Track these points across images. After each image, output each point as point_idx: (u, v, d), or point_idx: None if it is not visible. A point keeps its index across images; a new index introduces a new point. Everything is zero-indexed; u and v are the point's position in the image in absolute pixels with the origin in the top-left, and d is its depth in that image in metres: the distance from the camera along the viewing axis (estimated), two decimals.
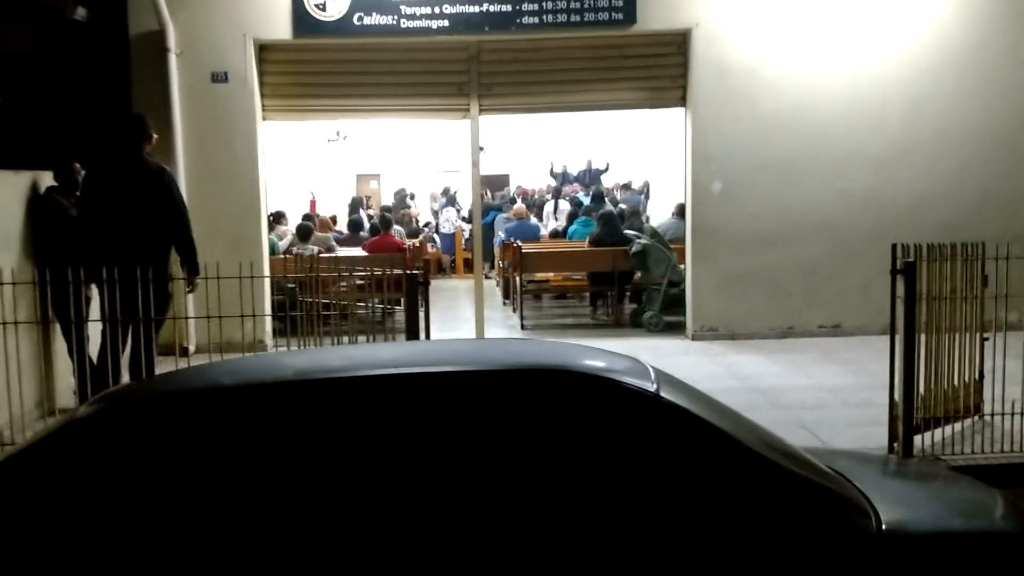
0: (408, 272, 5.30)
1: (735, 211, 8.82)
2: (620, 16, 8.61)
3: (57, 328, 6.59)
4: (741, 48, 8.67)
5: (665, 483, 2.23)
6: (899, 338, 5.13)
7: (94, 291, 6.41)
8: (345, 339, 6.57)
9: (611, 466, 2.24)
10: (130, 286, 5.90)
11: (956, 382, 5.47)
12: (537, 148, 20.49)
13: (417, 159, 22.11)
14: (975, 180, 8.78)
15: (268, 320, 8.63)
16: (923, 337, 5.17)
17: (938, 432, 5.39)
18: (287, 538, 2.16)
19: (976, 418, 5.61)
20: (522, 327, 10.10)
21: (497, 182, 22.33)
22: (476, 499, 2.21)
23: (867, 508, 2.37)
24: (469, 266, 15.15)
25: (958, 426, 5.50)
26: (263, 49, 8.74)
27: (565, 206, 15.08)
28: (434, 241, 17.09)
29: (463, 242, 17.21)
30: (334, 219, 14.56)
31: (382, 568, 2.15)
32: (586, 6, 8.62)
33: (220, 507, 2.21)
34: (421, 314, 5.69)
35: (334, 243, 10.92)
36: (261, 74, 8.78)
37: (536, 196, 19.47)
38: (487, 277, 5.50)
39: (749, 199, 8.81)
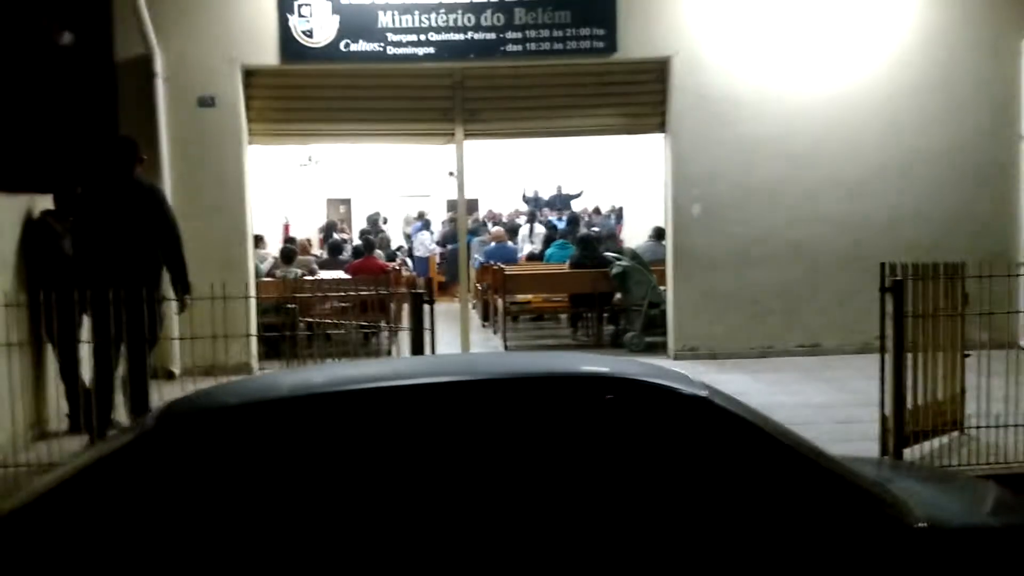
0: (413, 291, 5.35)
1: (715, 233, 9.02)
2: (601, 44, 8.82)
3: (50, 350, 6.57)
4: (719, 75, 8.92)
5: (720, 481, 2.35)
6: (888, 354, 5.32)
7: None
8: (335, 359, 6.62)
9: (670, 465, 2.36)
10: (124, 307, 5.92)
11: (940, 397, 5.67)
12: (505, 173, 20.67)
13: (387, 184, 22.21)
14: (946, 201, 9.09)
15: (254, 342, 8.64)
16: (910, 353, 5.37)
17: (926, 445, 5.57)
18: (370, 536, 2.24)
19: (959, 432, 5.81)
20: (505, 348, 10.19)
21: (467, 206, 22.49)
22: (550, 495, 2.31)
23: (904, 506, 2.51)
24: (442, 288, 15.23)
25: (944, 439, 5.69)
26: (250, 74, 8.80)
27: (540, 229, 15.24)
28: (407, 264, 17.15)
29: (436, 265, 17.32)
30: (308, 243, 14.58)
31: (460, 567, 2.23)
32: (568, 35, 8.82)
33: (299, 513, 2.27)
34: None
35: (315, 266, 10.94)
36: (248, 98, 8.84)
37: (506, 220, 19.63)
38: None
39: (728, 222, 9.03)
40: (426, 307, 5.33)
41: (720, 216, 9.02)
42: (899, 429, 5.32)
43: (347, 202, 22.58)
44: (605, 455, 2.37)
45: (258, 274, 9.81)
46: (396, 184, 22.32)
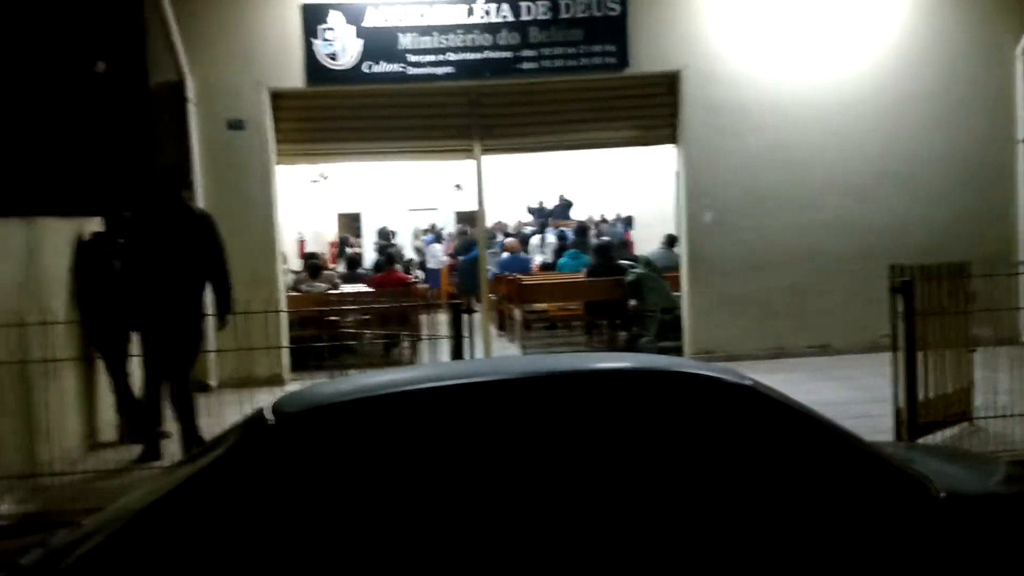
0: (452, 302, 5.69)
1: (726, 240, 9.36)
2: (613, 60, 9.18)
3: (100, 365, 6.90)
4: (728, 87, 9.27)
5: (770, 462, 2.66)
6: (899, 351, 5.65)
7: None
8: (363, 369, 6.92)
9: (723, 449, 2.67)
10: (173, 325, 6.26)
11: (950, 390, 6.00)
12: (510, 185, 20.98)
13: (395, 198, 22.55)
14: (948, 203, 9.42)
15: (286, 354, 8.97)
16: (920, 350, 5.70)
17: (938, 435, 5.90)
18: (482, 527, 2.50)
19: (968, 423, 6.14)
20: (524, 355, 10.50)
21: (473, 218, 22.81)
22: (623, 479, 2.61)
23: (927, 480, 2.84)
24: (453, 299, 15.55)
25: (955, 429, 6.01)
26: (277, 97, 9.16)
27: (550, 239, 15.58)
28: (419, 276, 17.48)
29: (448, 277, 17.64)
30: (326, 258, 14.92)
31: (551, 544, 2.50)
32: (581, 51, 9.18)
33: (418, 501, 2.52)
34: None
35: (338, 280, 11.27)
36: (275, 120, 9.20)
37: (512, 231, 19.96)
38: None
39: (739, 228, 9.36)
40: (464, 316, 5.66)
41: (731, 223, 9.36)
42: (912, 420, 5.64)
43: (357, 216, 22.89)
44: (665, 442, 2.67)
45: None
46: (404, 198, 22.68)
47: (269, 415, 2.75)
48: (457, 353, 5.63)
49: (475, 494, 2.57)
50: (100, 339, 6.75)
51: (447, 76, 9.13)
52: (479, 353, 9.36)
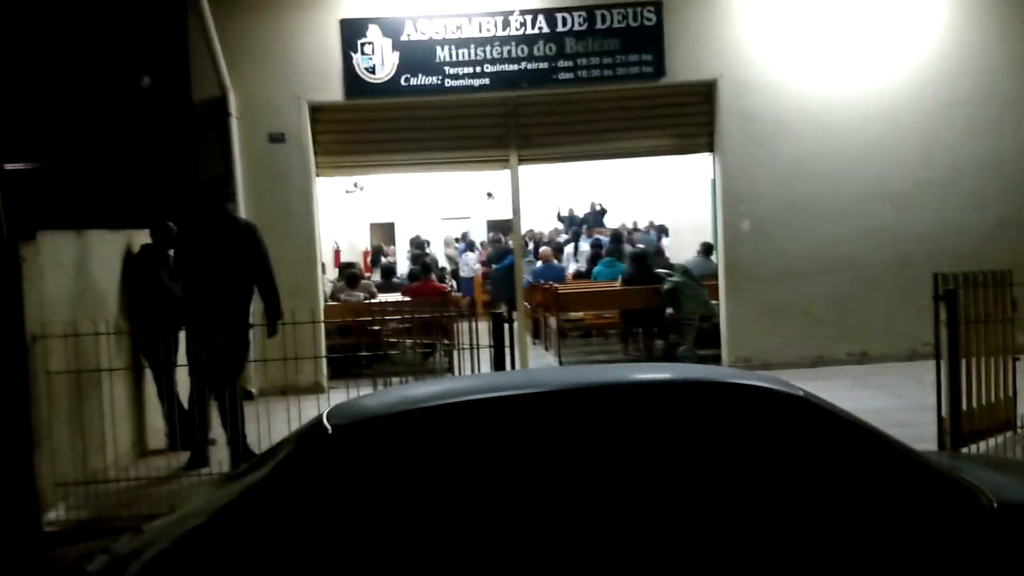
0: (493, 311, 5.75)
1: (764, 248, 9.36)
2: (650, 69, 9.23)
3: (148, 374, 7.05)
4: (764, 96, 9.29)
5: (824, 471, 2.68)
6: (943, 359, 5.63)
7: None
8: (403, 378, 7.00)
9: (777, 457, 2.70)
10: (220, 333, 6.38)
11: (993, 399, 5.96)
12: (541, 193, 21.05)
13: (428, 207, 22.72)
14: (989, 210, 9.35)
15: (325, 363, 9.08)
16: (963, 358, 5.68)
17: (981, 444, 5.86)
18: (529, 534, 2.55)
19: (1012, 431, 6.09)
20: (560, 364, 10.55)
21: (505, 227, 22.94)
22: (678, 488, 2.65)
23: (977, 490, 2.85)
24: (487, 308, 15.65)
25: (999, 439, 5.97)
26: (316, 110, 9.32)
27: (584, 248, 15.62)
28: (453, 285, 17.62)
29: (481, 285, 17.76)
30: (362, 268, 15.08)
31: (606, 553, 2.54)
32: (617, 61, 9.24)
33: (470, 509, 2.58)
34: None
35: (375, 289, 11.38)
36: (315, 133, 9.35)
37: (546, 240, 20.02)
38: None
39: (777, 236, 9.36)
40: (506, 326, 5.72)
41: (768, 231, 9.36)
42: (955, 429, 5.62)
43: (390, 226, 23.11)
44: (719, 455, 2.71)
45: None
46: (436, 207, 22.85)
47: (328, 425, 2.82)
48: (499, 363, 5.69)
49: (530, 505, 2.62)
50: (149, 349, 6.90)
51: (484, 87, 9.24)
52: (516, 363, 9.42)
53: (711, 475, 2.68)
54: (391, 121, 9.45)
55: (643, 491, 2.64)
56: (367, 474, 2.66)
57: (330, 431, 2.77)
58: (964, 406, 5.72)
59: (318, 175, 9.45)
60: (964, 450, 5.70)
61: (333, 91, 9.18)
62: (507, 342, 5.73)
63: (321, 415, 3.04)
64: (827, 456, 2.73)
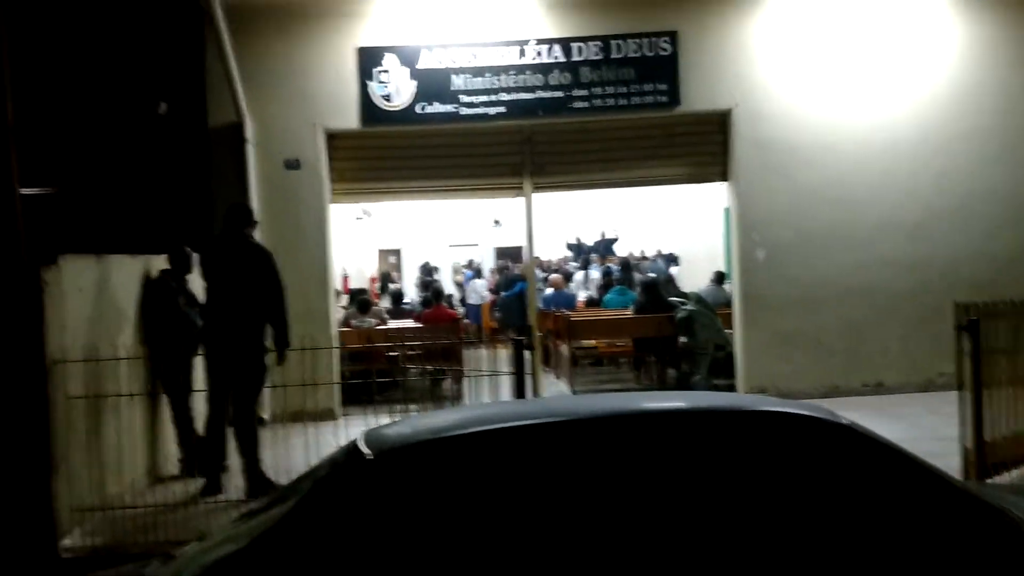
0: (514, 338, 5.76)
1: (778, 277, 9.37)
2: (664, 98, 9.29)
3: (164, 400, 7.05)
4: (779, 125, 9.34)
5: (870, 499, 2.68)
6: (966, 390, 5.61)
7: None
8: (417, 405, 6.99)
9: (825, 486, 2.69)
10: (237, 359, 6.39)
11: (1018, 429, 5.93)
12: (551, 221, 21.08)
13: (435, 234, 22.80)
14: (1005, 239, 9.36)
15: (338, 389, 9.06)
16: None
17: (1006, 475, 5.82)
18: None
19: None
20: (572, 392, 10.53)
21: (513, 254, 23.02)
22: (725, 516, 2.64)
23: (1020, 518, 2.85)
24: (494, 335, 15.68)
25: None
26: (332, 137, 9.38)
27: (595, 275, 15.66)
28: (460, 312, 17.64)
29: (489, 312, 17.78)
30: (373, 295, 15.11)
31: None
32: (632, 90, 9.30)
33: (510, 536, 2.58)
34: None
35: (386, 315, 11.40)
36: (330, 160, 9.41)
37: (555, 267, 20.06)
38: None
39: (792, 265, 9.37)
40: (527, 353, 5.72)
41: (783, 260, 9.37)
42: (980, 461, 5.59)
43: (397, 252, 23.19)
44: (766, 484, 2.70)
45: None
46: (444, 234, 22.93)
47: (366, 451, 2.82)
48: (519, 390, 5.68)
49: (569, 532, 2.62)
50: (165, 374, 6.90)
51: (499, 116, 9.30)
52: (533, 390, 9.39)
53: (758, 505, 2.67)
54: (406, 148, 9.51)
55: (689, 519, 2.64)
56: (408, 500, 2.67)
57: (371, 457, 2.77)
58: (988, 436, 5.69)
59: (333, 201, 9.50)
60: (989, 481, 5.67)
61: (349, 118, 9.24)
62: (513, 368, 5.71)
63: (354, 442, 3.04)
64: (875, 486, 2.72)
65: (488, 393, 6.36)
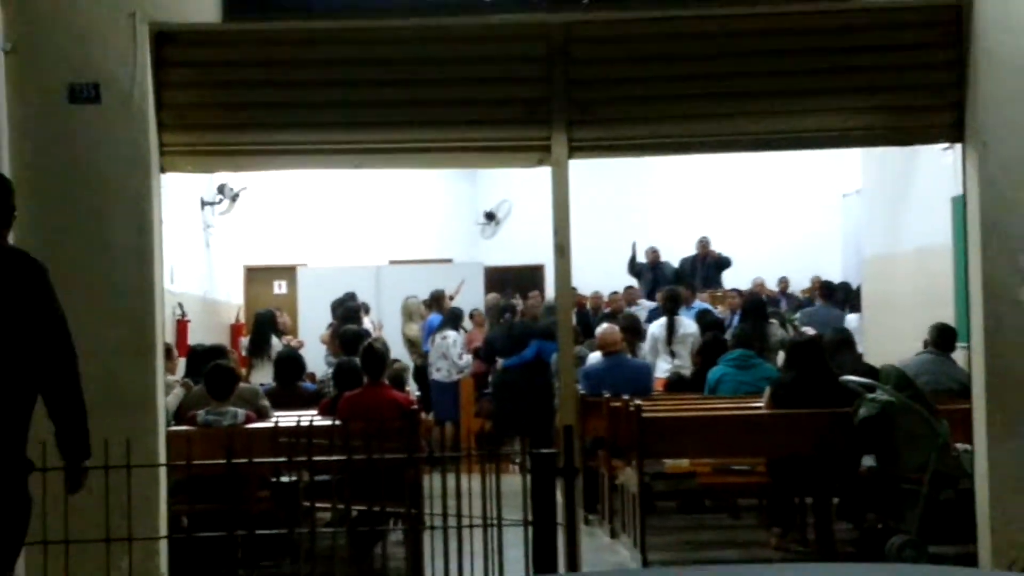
0: (540, 451, 5.79)
1: None
2: None
3: None
4: None
5: None
6: None
7: None
8: None
9: None
10: None
11: None
12: (591, 214, 20.89)
13: (365, 240, 22.90)
14: None
15: (165, 547, 9.06)
16: None
17: None
18: None
19: None
20: (644, 563, 10.49)
21: (523, 277, 23.08)
22: None
23: None
24: (493, 442, 15.64)
25: None
26: (165, 42, 9.43)
27: (690, 326, 15.64)
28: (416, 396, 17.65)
29: (475, 398, 17.79)
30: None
31: None
32: None
33: None
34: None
35: (265, 402, 11.41)
36: (159, 88, 9.42)
37: (606, 308, 20.17)
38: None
39: None
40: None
41: None
42: None
43: (289, 273, 23.22)
44: None
45: (167, 419, 10.27)
46: (384, 240, 23.03)
47: None
48: (543, 559, 5.71)
49: None
50: None
51: (499, 5, 9.36)
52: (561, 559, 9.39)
53: None
54: (313, 67, 9.63)
55: None
56: None
57: None
58: None
59: (165, 168, 9.56)
60: None
61: (201, 7, 9.29)
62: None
63: None
64: None
65: (476, 563, 6.33)
